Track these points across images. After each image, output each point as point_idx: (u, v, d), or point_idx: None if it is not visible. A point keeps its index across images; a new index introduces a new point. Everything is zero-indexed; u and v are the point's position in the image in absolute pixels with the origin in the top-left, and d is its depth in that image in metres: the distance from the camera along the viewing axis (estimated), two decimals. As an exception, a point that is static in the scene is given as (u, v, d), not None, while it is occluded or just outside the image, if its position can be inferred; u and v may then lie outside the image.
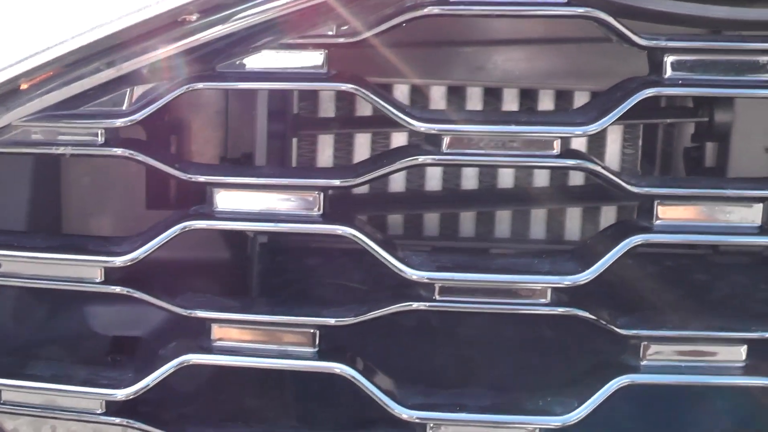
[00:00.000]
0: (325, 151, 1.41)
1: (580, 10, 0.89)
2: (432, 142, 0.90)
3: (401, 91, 1.41)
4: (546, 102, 1.41)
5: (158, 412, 0.98)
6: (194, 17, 0.87)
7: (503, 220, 1.43)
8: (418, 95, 1.41)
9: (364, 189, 1.39)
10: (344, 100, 1.41)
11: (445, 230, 1.43)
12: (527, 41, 1.35)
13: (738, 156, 1.34)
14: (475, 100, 1.41)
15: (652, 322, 0.96)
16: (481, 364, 1.13)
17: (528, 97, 1.41)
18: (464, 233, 1.43)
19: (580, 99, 1.41)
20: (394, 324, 1.09)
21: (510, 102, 1.41)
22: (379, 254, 0.91)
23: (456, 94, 1.41)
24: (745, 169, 1.33)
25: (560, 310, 0.93)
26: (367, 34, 0.90)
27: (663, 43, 0.90)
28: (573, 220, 1.44)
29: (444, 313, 0.95)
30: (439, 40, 1.34)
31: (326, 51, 0.91)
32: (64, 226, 1.30)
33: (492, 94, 1.41)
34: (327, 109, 1.41)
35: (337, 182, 0.91)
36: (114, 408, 0.96)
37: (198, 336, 0.96)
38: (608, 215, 1.44)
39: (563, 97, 1.41)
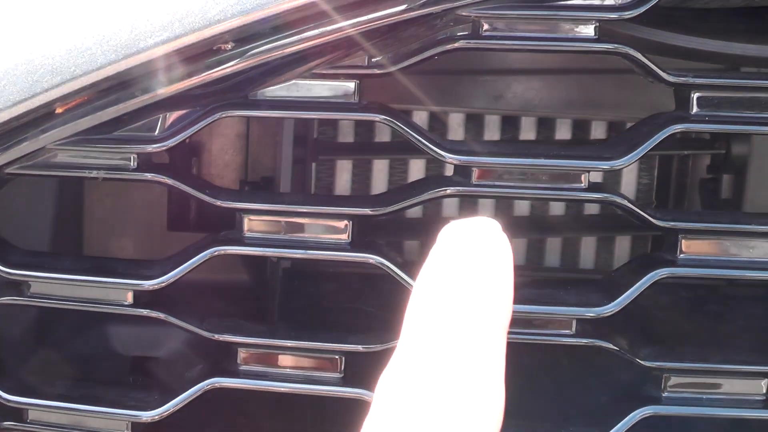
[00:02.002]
0: (343, 176, 1.42)
1: (609, 47, 0.90)
2: (461, 173, 0.92)
3: (420, 118, 1.42)
4: (563, 131, 1.42)
5: (182, 434, 0.98)
6: (229, 46, 0.88)
7: (518, 248, 1.44)
8: (437, 122, 1.42)
9: (381, 214, 1.40)
10: (363, 126, 1.42)
11: (461, 257, 1.44)
12: (546, 71, 1.37)
13: (754, 189, 1.35)
14: (492, 129, 1.42)
15: (674, 354, 0.97)
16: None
17: (545, 126, 1.43)
18: (480, 260, 1.44)
19: (597, 129, 1.42)
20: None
21: (528, 131, 1.42)
22: (408, 283, 0.92)
23: (474, 121, 1.42)
24: (762, 201, 1.34)
25: (584, 341, 0.94)
26: (399, 66, 0.91)
27: (690, 80, 0.92)
28: (588, 249, 1.45)
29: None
30: (459, 68, 1.35)
31: (358, 81, 0.92)
32: (85, 246, 1.31)
33: (509, 123, 1.42)
34: (346, 134, 1.43)
35: (368, 211, 0.92)
36: (139, 429, 0.96)
37: (223, 359, 0.97)
38: (623, 244, 1.45)
39: (580, 127, 1.43)
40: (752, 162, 1.34)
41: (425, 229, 1.43)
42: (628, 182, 1.44)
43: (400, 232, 1.42)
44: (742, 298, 1.34)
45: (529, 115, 1.42)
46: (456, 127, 1.42)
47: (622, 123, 1.40)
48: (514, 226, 1.43)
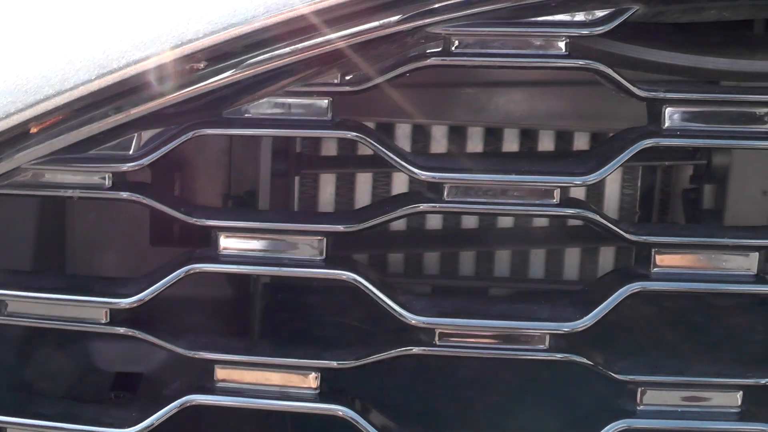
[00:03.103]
0: (327, 189, 1.43)
1: (580, 62, 0.90)
2: (433, 190, 0.92)
3: (403, 131, 1.43)
4: (546, 142, 1.43)
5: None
6: (202, 65, 0.89)
7: (503, 260, 1.45)
8: (420, 134, 1.43)
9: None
10: (346, 139, 1.42)
11: (446, 268, 1.45)
12: (528, 83, 1.37)
13: (735, 199, 1.36)
14: (476, 140, 1.43)
15: (649, 367, 0.97)
16: (479, 405, 1.14)
17: (528, 137, 1.43)
18: (464, 272, 1.45)
19: (580, 139, 1.43)
20: (394, 364, 1.10)
21: (511, 142, 1.43)
22: (381, 299, 0.93)
23: (457, 133, 1.43)
24: (743, 211, 1.35)
25: (558, 356, 0.94)
26: (371, 83, 0.92)
27: (662, 95, 0.92)
28: (572, 259, 1.46)
29: (442, 356, 0.96)
30: (442, 81, 1.35)
31: (331, 99, 0.92)
32: (68, 260, 1.32)
33: (493, 134, 1.43)
34: (329, 148, 1.43)
35: (341, 228, 0.93)
36: (117, 447, 0.97)
37: (201, 376, 0.97)
38: (606, 254, 1.46)
39: (563, 138, 1.43)
40: (733, 172, 1.35)
41: (409, 241, 1.44)
42: (612, 193, 1.45)
43: (383, 245, 1.42)
44: (726, 308, 1.34)
45: (513, 126, 1.42)
46: (439, 138, 1.43)
47: (605, 134, 1.40)
48: (498, 238, 1.44)
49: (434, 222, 1.44)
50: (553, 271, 1.46)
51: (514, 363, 1.02)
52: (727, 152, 1.34)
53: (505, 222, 1.44)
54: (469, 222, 1.44)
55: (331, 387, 0.97)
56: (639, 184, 1.46)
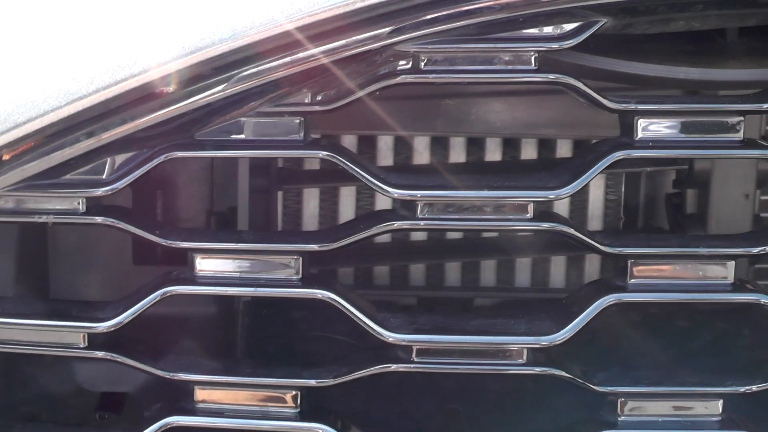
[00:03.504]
0: (311, 204, 1.43)
1: (550, 77, 0.90)
2: (407, 207, 0.92)
3: (385, 142, 1.42)
4: (529, 151, 1.43)
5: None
6: (171, 89, 0.89)
7: (488, 269, 1.45)
8: (403, 146, 1.43)
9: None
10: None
11: (431, 279, 1.45)
12: (508, 93, 1.37)
13: (718, 202, 1.35)
14: (458, 151, 1.43)
15: (629, 378, 0.97)
16: (464, 417, 1.14)
17: (511, 146, 1.43)
18: (450, 282, 1.45)
19: (563, 147, 1.43)
20: (377, 377, 1.10)
21: (493, 151, 1.43)
22: (358, 318, 0.93)
23: (439, 144, 1.43)
24: (726, 215, 1.35)
25: (537, 370, 0.94)
26: (342, 102, 0.92)
27: (633, 106, 0.92)
28: (558, 268, 1.46)
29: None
30: (422, 92, 1.36)
31: (302, 118, 0.92)
32: (52, 283, 1.32)
33: (475, 144, 1.43)
34: (312, 162, 1.43)
35: (315, 247, 0.93)
36: (100, 471, 0.97)
37: (181, 397, 0.97)
38: (592, 262, 1.46)
39: (546, 146, 1.43)
40: (715, 177, 1.35)
41: (394, 253, 1.44)
42: (596, 200, 1.45)
43: (369, 258, 1.42)
44: (711, 313, 1.34)
45: (495, 136, 1.42)
46: (422, 150, 1.43)
47: (587, 141, 1.40)
48: (483, 248, 1.44)
49: (419, 234, 1.44)
50: (539, 279, 1.46)
51: (496, 376, 1.03)
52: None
53: (490, 233, 1.44)
54: (455, 233, 1.44)
55: (311, 405, 0.97)
56: (623, 189, 1.46)
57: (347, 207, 1.43)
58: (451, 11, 0.88)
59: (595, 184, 1.44)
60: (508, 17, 0.89)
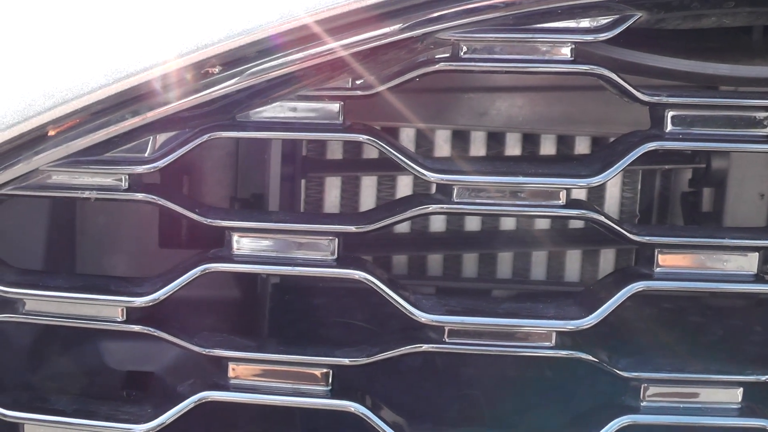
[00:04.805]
0: (332, 192, 1.45)
1: (584, 68, 0.93)
2: (442, 191, 0.94)
3: (407, 135, 1.45)
4: (548, 147, 1.45)
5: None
6: (217, 69, 0.91)
7: (505, 262, 1.47)
8: (423, 139, 1.45)
9: (370, 229, 1.43)
10: (351, 143, 1.45)
11: (449, 270, 1.47)
12: (530, 88, 1.40)
13: (734, 202, 1.38)
14: (478, 145, 1.45)
15: (652, 364, 0.99)
16: (485, 402, 1.17)
17: (530, 141, 1.46)
18: (467, 273, 1.47)
19: (581, 144, 1.45)
20: (400, 364, 1.13)
21: (512, 146, 1.45)
22: (392, 298, 0.95)
23: (460, 138, 1.45)
24: (741, 214, 1.37)
25: (564, 353, 0.96)
26: (381, 88, 0.94)
27: (664, 99, 0.94)
28: (573, 262, 1.48)
29: (448, 354, 0.98)
30: (445, 86, 1.38)
31: (342, 103, 0.94)
32: (78, 264, 1.34)
33: (495, 139, 1.45)
34: (334, 151, 1.45)
35: (352, 228, 0.95)
36: (132, 443, 0.99)
37: (214, 374, 0.99)
38: (607, 257, 1.48)
39: (564, 142, 1.46)
40: (731, 176, 1.37)
41: (413, 244, 1.46)
42: (612, 196, 1.48)
43: (388, 248, 1.44)
44: (723, 309, 1.37)
45: (514, 131, 1.45)
46: (442, 143, 1.45)
47: (606, 138, 1.43)
48: (500, 240, 1.46)
49: (438, 225, 1.47)
50: (554, 273, 1.48)
51: (518, 362, 1.05)
52: (725, 156, 1.36)
53: (508, 225, 1.46)
54: (472, 225, 1.47)
55: (342, 384, 0.99)
56: (639, 187, 1.48)
57: (368, 197, 1.45)
58: (492, 2, 0.90)
59: (612, 181, 1.47)
60: (546, 9, 0.91)
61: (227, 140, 1.37)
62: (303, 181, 1.42)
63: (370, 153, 1.45)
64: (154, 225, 1.34)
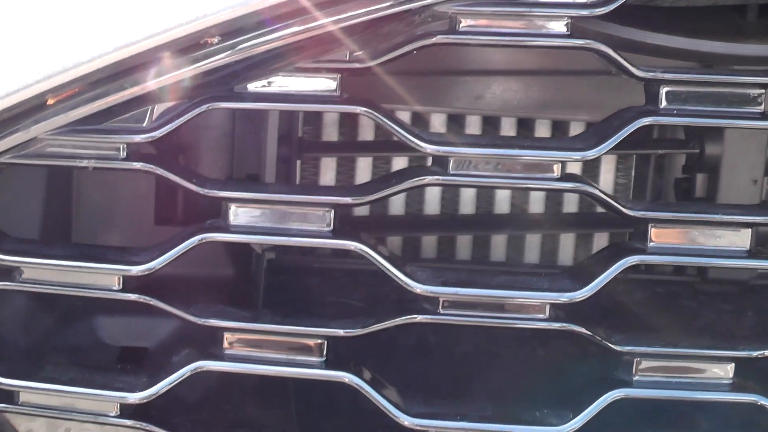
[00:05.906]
0: (327, 174, 1.46)
1: (581, 42, 0.93)
2: (439, 163, 0.95)
3: (403, 117, 1.45)
4: (542, 131, 1.46)
5: (169, 416, 1.01)
6: (216, 40, 0.92)
7: (499, 245, 1.48)
8: (419, 122, 1.46)
9: (364, 211, 1.44)
10: (347, 125, 1.45)
11: (443, 253, 1.48)
12: (525, 72, 1.41)
13: (727, 187, 1.38)
14: (473, 128, 1.46)
15: (645, 339, 1.00)
16: (478, 379, 1.17)
17: (525, 126, 1.46)
18: (461, 256, 1.48)
19: (576, 129, 1.46)
20: (392, 340, 1.13)
21: (507, 130, 1.46)
22: (387, 269, 0.96)
23: (455, 121, 1.46)
24: (734, 199, 1.38)
25: (557, 326, 0.97)
26: (379, 60, 0.94)
27: (660, 75, 0.95)
28: (566, 245, 1.49)
29: (442, 331, 0.99)
30: (441, 69, 1.39)
31: (340, 75, 0.95)
32: (74, 239, 1.34)
33: (490, 123, 1.46)
34: (330, 133, 1.46)
35: (349, 200, 0.95)
36: (128, 411, 0.99)
37: (209, 344, 1.00)
38: (600, 242, 1.49)
39: (559, 127, 1.46)
40: (725, 161, 1.38)
41: (407, 226, 1.47)
42: (606, 181, 1.48)
43: (383, 229, 1.45)
44: (715, 295, 1.37)
45: (509, 115, 1.46)
46: (438, 126, 1.46)
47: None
48: (494, 223, 1.47)
49: (432, 207, 1.47)
50: (548, 256, 1.49)
51: (513, 340, 1.05)
52: (719, 142, 1.37)
53: (502, 208, 1.47)
54: (466, 208, 1.47)
55: (336, 356, 0.99)
56: (633, 173, 1.49)
57: (363, 179, 1.45)
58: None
59: (606, 167, 1.48)
60: (544, -18, 0.92)
61: (223, 120, 1.38)
62: (298, 163, 1.42)
63: (366, 135, 1.46)
64: (150, 202, 1.34)
